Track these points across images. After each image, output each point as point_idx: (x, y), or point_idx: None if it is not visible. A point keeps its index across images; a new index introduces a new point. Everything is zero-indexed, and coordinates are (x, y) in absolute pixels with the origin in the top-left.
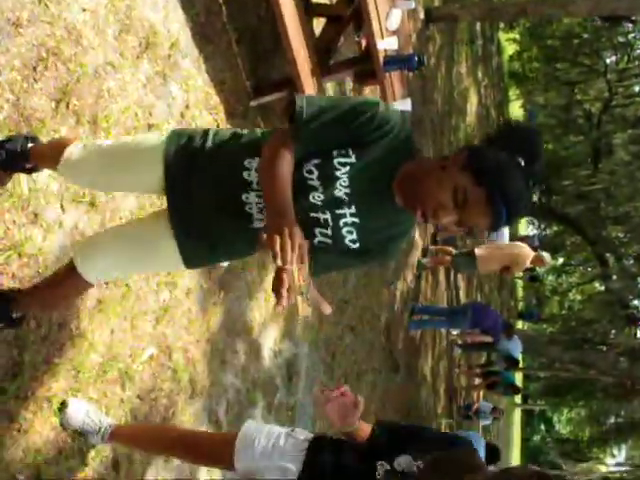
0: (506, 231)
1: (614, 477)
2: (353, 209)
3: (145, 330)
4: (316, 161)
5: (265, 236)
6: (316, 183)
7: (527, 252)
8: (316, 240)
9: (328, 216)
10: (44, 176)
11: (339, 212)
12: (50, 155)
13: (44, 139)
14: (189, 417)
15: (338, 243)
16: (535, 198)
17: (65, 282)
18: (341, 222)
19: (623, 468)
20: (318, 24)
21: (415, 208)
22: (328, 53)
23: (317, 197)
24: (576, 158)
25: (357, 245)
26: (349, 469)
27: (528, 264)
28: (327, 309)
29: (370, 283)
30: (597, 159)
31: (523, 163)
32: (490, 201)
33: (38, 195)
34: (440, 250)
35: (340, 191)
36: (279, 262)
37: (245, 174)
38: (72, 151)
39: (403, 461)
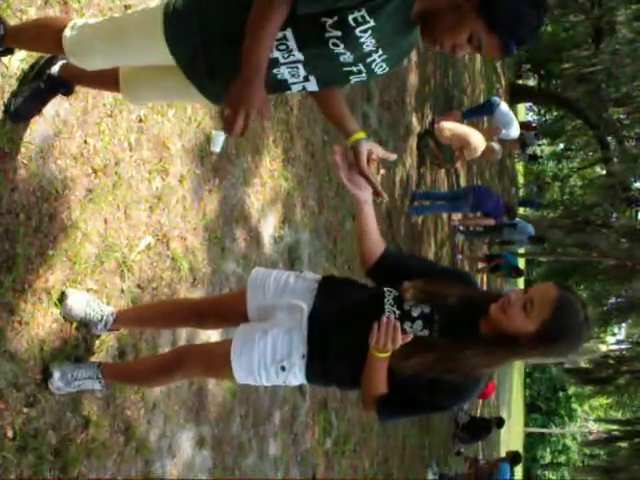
0: (515, 123)
1: (614, 354)
2: (381, 52)
3: (140, 219)
4: (337, 33)
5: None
6: (343, 50)
7: (479, 140)
8: (352, 81)
9: (361, 67)
10: (16, 60)
11: (370, 60)
12: (36, 37)
13: (11, 21)
14: None
15: (371, 77)
16: (534, 83)
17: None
18: (373, 65)
19: (623, 346)
20: None
21: (434, 44)
22: None
23: (347, 57)
24: (576, 39)
25: (387, 70)
26: (359, 303)
27: (479, 153)
28: (391, 156)
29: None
30: (598, 39)
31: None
32: (504, 48)
33: (12, 82)
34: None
35: (368, 47)
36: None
37: None
38: (75, 29)
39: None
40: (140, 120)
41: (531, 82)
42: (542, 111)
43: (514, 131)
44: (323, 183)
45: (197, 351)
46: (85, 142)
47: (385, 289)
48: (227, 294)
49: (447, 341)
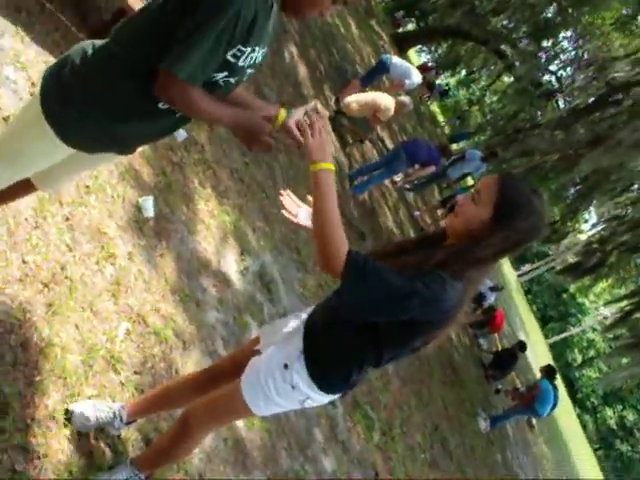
0: (413, 70)
1: (595, 239)
2: (260, 48)
3: (108, 310)
4: (224, 73)
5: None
6: (234, 78)
7: (387, 100)
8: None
9: (250, 70)
10: None
11: (255, 61)
12: None
13: None
14: (193, 368)
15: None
16: (413, 26)
17: None
18: (258, 60)
19: (599, 227)
20: None
21: (302, 17)
22: None
23: (238, 77)
24: None
25: (266, 51)
26: None
27: (392, 111)
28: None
29: (297, 174)
30: None
31: None
32: None
33: None
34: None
35: (251, 60)
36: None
37: None
38: None
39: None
40: (67, 219)
41: (410, 26)
42: (432, 48)
43: (415, 77)
44: (262, 201)
45: (198, 406)
46: (24, 262)
47: None
48: (241, 347)
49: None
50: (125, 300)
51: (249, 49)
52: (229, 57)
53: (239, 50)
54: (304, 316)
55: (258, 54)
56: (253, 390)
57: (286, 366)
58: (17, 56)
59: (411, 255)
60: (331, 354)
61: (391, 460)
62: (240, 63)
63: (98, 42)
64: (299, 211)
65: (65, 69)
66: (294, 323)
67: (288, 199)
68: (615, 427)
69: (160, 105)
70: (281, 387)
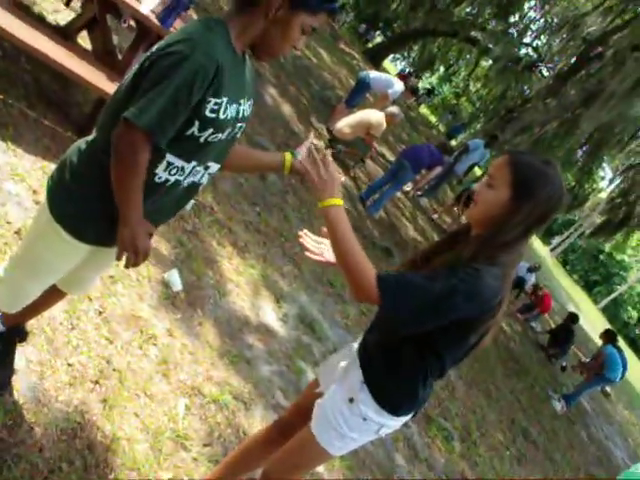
0: (393, 79)
1: (616, 193)
2: (244, 100)
3: (163, 390)
4: (209, 131)
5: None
6: (221, 134)
7: (377, 115)
8: (238, 134)
9: (240, 123)
10: None
11: (242, 115)
12: None
13: None
14: (260, 426)
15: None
16: (379, 40)
17: None
18: (246, 113)
19: (617, 181)
20: (84, 38)
21: (275, 57)
22: (112, 53)
23: (227, 132)
24: None
25: (252, 101)
26: None
27: (384, 125)
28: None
29: (310, 211)
30: None
31: None
32: (331, 12)
33: None
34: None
35: (235, 112)
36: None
37: None
38: None
39: None
40: (100, 312)
41: (378, 39)
42: (405, 54)
43: (397, 86)
44: (283, 246)
45: (275, 462)
46: (69, 365)
47: None
48: (302, 394)
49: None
50: (176, 377)
51: (224, 100)
52: (207, 113)
53: (215, 103)
54: (355, 346)
55: (243, 107)
56: (325, 432)
57: (351, 400)
58: (13, 170)
59: (441, 256)
60: (392, 375)
61: (477, 465)
62: (221, 117)
63: (90, 137)
64: (322, 249)
65: (65, 171)
66: (347, 356)
67: (308, 239)
68: None
69: (157, 179)
70: (352, 422)
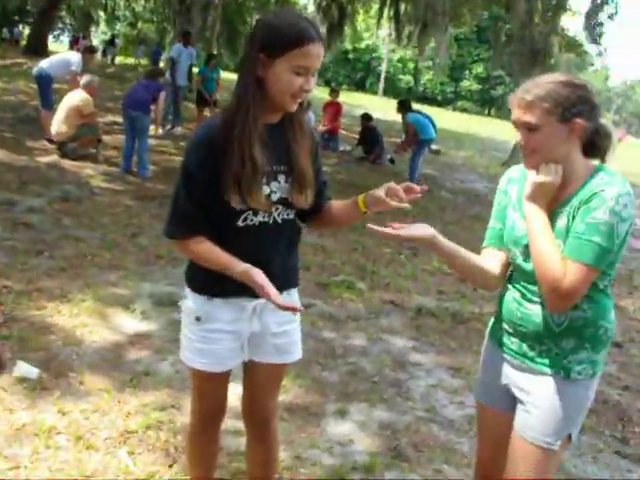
0: (73, 56)
1: None
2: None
3: (98, 461)
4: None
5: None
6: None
7: (80, 95)
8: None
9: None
10: None
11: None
12: None
13: None
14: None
15: None
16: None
17: None
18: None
19: None
20: None
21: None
22: None
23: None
24: None
25: None
26: None
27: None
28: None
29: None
30: None
31: None
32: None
33: None
34: None
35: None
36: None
37: None
38: None
39: None
40: None
41: (27, 31)
42: (61, 25)
43: (74, 57)
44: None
45: None
46: None
47: None
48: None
49: None
50: (100, 440)
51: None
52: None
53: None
54: None
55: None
56: None
57: None
58: None
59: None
60: None
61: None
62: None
63: None
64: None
65: None
66: None
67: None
68: None
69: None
70: None
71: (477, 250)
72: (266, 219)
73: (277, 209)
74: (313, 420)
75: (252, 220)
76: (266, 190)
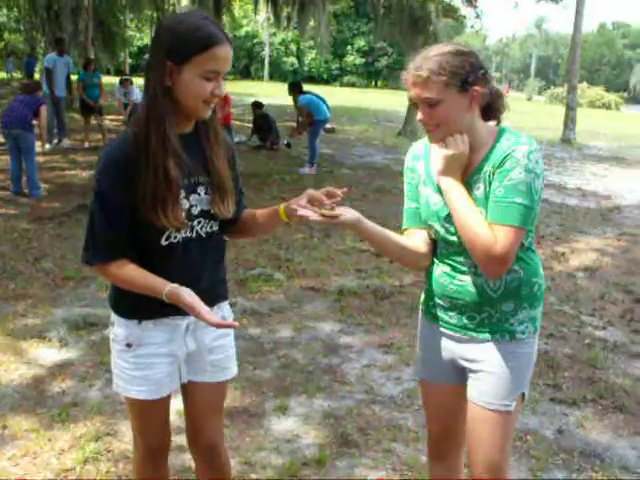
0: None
1: None
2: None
3: None
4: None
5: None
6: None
7: None
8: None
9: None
10: None
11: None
12: None
13: None
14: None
15: None
16: None
17: None
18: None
19: None
20: None
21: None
22: None
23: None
24: None
25: None
26: None
27: None
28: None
29: None
30: None
31: None
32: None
33: None
34: None
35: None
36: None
37: None
38: None
39: None
40: None
41: None
42: None
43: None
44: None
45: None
46: None
47: None
48: None
49: None
50: None
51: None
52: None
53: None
54: None
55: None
56: None
57: None
58: None
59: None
60: None
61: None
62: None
63: None
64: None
65: None
66: None
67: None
68: None
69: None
70: None
71: (389, 224)
72: (189, 234)
73: (199, 223)
74: (255, 421)
75: (175, 237)
76: (185, 204)
